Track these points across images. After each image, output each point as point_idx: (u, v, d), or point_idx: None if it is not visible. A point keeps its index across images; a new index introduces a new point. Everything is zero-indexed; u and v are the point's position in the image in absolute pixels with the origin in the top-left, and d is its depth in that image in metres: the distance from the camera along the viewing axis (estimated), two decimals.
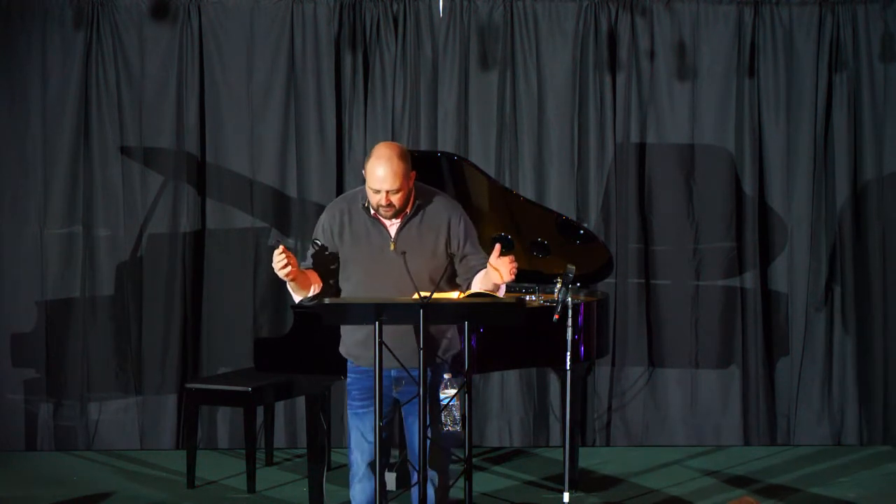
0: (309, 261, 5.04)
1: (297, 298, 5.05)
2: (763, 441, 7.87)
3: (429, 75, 7.78)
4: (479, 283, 4.96)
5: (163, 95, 7.75)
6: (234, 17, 7.76)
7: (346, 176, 7.78)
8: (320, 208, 7.68)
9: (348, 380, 5.07)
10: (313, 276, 5.00)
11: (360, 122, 7.78)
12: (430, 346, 4.90)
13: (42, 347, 7.71)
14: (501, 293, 4.94)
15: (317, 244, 5.00)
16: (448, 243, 4.98)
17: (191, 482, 6.85)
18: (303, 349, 6.00)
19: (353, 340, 5.02)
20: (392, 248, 4.92)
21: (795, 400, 7.89)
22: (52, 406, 7.72)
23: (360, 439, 5.00)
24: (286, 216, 7.81)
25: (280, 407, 7.64)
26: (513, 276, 4.84)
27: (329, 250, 5.00)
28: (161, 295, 7.74)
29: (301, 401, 7.34)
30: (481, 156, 7.74)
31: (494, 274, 4.83)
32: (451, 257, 4.99)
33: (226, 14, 7.76)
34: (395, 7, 7.76)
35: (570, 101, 7.81)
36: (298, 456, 7.49)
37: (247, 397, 6.63)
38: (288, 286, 4.97)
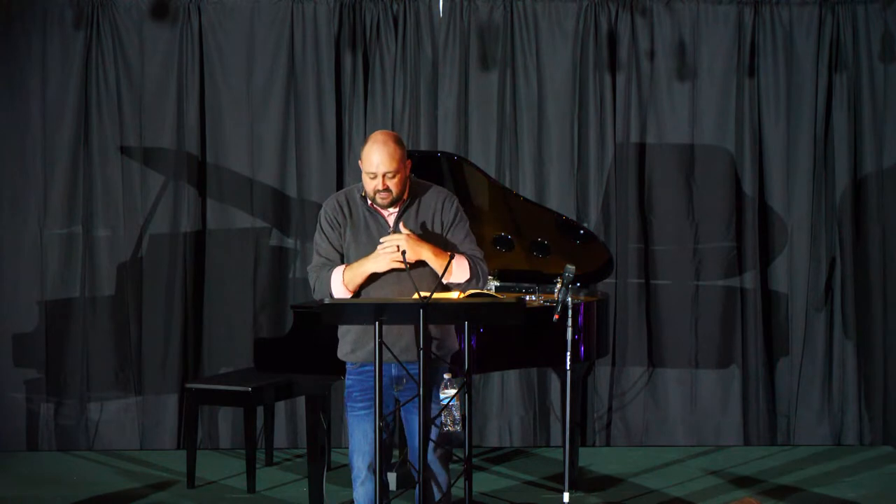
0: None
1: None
2: (763, 441, 7.87)
3: (429, 75, 7.78)
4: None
5: (163, 95, 7.75)
6: (234, 17, 7.76)
7: (346, 176, 7.78)
8: (320, 208, 7.69)
9: (348, 382, 5.03)
10: None
11: (360, 122, 7.77)
12: (426, 342, 4.89)
13: (42, 347, 7.71)
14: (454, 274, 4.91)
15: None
16: (442, 227, 4.97)
17: (191, 482, 6.85)
18: (303, 349, 6.00)
19: (348, 339, 5.01)
20: None
21: (795, 400, 7.89)
22: (52, 406, 7.72)
23: (362, 441, 4.95)
24: (286, 216, 7.80)
25: (280, 407, 7.64)
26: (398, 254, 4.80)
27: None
28: (161, 295, 7.74)
29: (301, 401, 7.34)
30: (481, 156, 7.74)
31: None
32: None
33: (226, 14, 7.76)
34: (395, 7, 7.76)
35: (570, 101, 7.81)
36: (298, 456, 7.49)
37: (247, 397, 6.63)
38: (352, 285, 4.91)
